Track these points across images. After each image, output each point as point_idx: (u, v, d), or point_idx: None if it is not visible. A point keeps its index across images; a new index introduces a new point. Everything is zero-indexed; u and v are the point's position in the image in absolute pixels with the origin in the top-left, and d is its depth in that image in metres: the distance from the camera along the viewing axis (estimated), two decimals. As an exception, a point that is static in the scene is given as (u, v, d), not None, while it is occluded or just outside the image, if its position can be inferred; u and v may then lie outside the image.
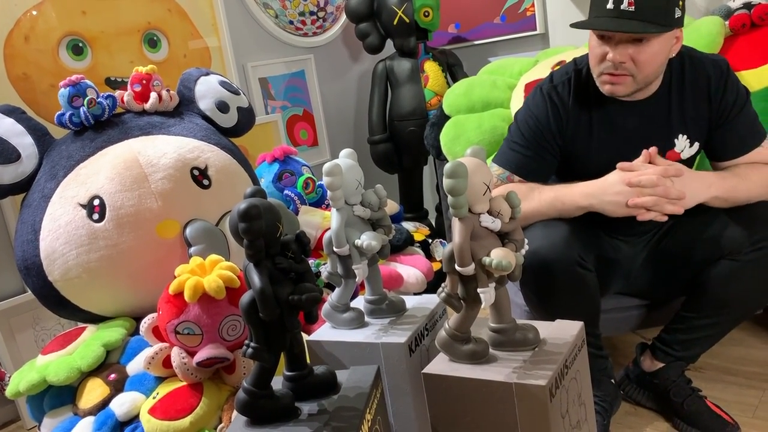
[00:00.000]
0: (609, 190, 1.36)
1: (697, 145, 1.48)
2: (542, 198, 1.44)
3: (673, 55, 1.40)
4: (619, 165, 1.37)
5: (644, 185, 1.32)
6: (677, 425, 1.54)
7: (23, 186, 1.68)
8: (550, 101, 1.49)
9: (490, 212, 1.00)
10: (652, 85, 1.43)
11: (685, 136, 1.46)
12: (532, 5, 2.80)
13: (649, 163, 1.37)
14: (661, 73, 1.41)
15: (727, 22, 1.95)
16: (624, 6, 1.30)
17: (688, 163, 1.50)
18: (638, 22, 1.30)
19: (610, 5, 1.31)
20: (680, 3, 1.32)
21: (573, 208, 1.41)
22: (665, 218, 1.34)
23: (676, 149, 1.47)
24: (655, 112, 1.45)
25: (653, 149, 1.37)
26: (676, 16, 1.32)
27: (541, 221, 1.43)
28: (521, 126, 1.53)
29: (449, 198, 0.96)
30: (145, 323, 1.42)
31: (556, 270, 1.36)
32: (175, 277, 1.35)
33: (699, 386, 1.56)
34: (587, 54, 1.48)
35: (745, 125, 1.45)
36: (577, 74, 1.50)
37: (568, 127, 1.49)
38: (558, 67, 2.08)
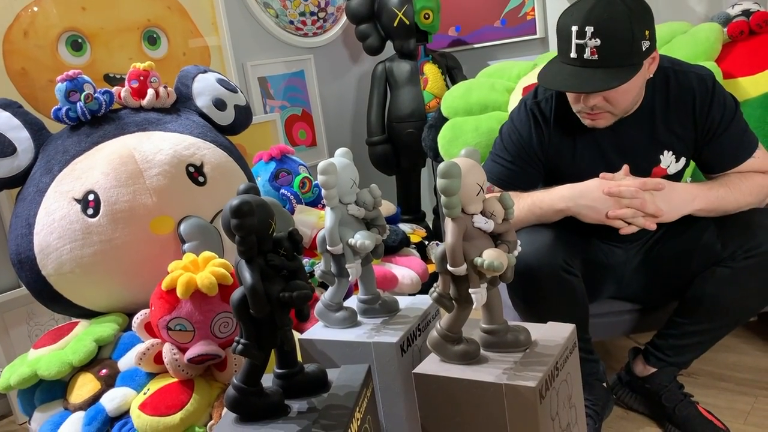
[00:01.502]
0: (587, 195, 1.36)
1: (684, 160, 1.47)
2: (520, 205, 1.43)
3: (651, 75, 1.39)
4: (602, 175, 1.37)
5: (623, 195, 1.32)
6: (669, 430, 1.53)
7: (18, 180, 1.68)
8: (533, 117, 1.49)
9: (483, 213, 1.01)
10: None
11: (671, 152, 1.45)
12: (533, 9, 2.80)
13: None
14: (641, 95, 1.40)
15: (725, 29, 1.96)
16: (587, 55, 1.28)
17: (676, 177, 1.49)
18: (603, 71, 1.28)
19: (573, 54, 1.30)
20: (646, 33, 1.29)
21: (551, 212, 1.41)
22: (654, 227, 1.34)
23: (662, 165, 1.46)
24: (639, 129, 1.44)
25: (626, 167, 1.37)
26: (644, 49, 1.29)
27: (526, 227, 1.43)
28: (504, 139, 1.53)
29: (442, 198, 0.96)
30: (138, 319, 1.42)
31: (540, 275, 1.36)
32: (168, 274, 1.35)
33: (691, 392, 1.56)
34: None
35: (734, 139, 1.43)
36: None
37: (551, 144, 1.48)
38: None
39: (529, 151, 1.49)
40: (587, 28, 1.26)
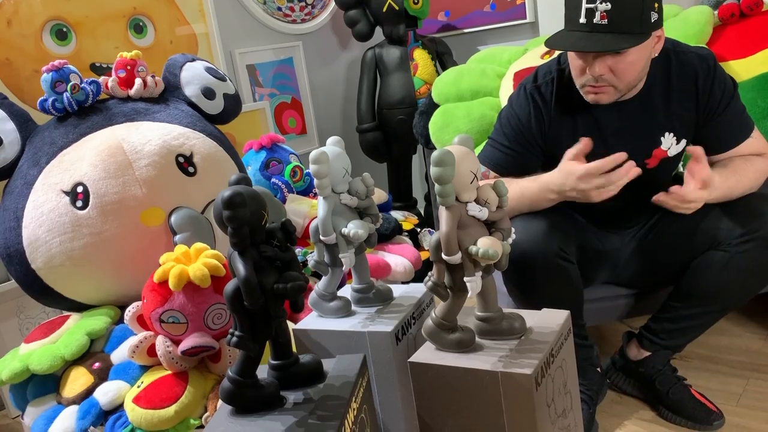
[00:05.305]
0: (567, 184, 1.34)
1: (684, 142, 1.47)
2: (511, 194, 1.42)
3: (656, 55, 1.39)
4: (568, 156, 1.35)
5: (592, 172, 1.29)
6: (662, 413, 1.55)
7: (5, 172, 1.65)
8: (533, 101, 1.47)
9: (477, 201, 1.00)
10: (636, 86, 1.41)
11: (672, 134, 1.45)
12: (522, -6, 2.78)
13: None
14: (644, 75, 1.40)
15: (716, 12, 1.95)
16: (597, 20, 1.28)
17: (676, 159, 1.49)
18: (612, 35, 1.28)
19: (582, 19, 1.30)
20: (656, 6, 1.30)
21: (543, 200, 1.41)
22: (639, 171, 1.32)
23: (663, 147, 1.46)
24: (641, 112, 1.43)
25: (634, 168, 1.34)
26: (653, 21, 1.30)
27: (521, 214, 1.42)
28: (503, 124, 1.52)
29: (436, 186, 0.95)
30: (130, 312, 1.41)
31: (536, 262, 1.36)
32: (159, 266, 1.33)
33: (684, 375, 1.57)
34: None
35: (733, 119, 1.44)
36: (560, 74, 1.47)
37: (551, 128, 1.47)
38: (547, 56, 2.08)
39: (528, 137, 1.48)
40: None
